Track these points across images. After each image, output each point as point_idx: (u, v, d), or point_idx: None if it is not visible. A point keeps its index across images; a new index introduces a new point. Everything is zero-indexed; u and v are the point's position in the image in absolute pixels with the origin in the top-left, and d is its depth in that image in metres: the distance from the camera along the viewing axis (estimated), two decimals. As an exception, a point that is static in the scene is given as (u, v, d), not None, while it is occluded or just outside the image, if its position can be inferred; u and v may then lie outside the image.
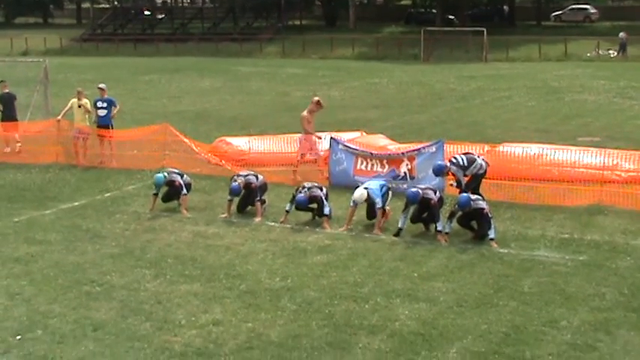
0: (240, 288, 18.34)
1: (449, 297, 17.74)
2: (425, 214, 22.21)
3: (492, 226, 21.06)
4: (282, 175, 27.77)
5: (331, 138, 28.30)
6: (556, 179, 26.09)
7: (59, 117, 33.51)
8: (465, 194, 21.99)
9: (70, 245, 22.02)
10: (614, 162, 26.82)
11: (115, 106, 32.83)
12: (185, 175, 25.50)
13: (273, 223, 23.11)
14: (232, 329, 16.25)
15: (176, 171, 25.59)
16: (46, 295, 18.37)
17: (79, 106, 32.45)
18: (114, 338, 16.04)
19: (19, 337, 16.20)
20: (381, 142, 30.03)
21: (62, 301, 17.98)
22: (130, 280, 19.22)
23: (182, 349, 15.44)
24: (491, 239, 20.84)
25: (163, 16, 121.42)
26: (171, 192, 25.32)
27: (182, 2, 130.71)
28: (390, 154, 27.43)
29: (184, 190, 25.02)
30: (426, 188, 22.29)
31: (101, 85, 33.63)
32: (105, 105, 32.56)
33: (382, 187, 22.95)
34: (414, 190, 21.92)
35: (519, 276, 18.98)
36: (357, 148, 27.74)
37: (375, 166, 27.00)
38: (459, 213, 21.48)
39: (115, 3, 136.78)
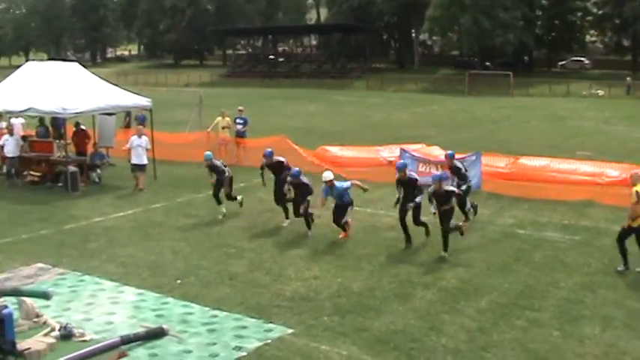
0: (334, 253, 18.39)
1: (481, 264, 17.67)
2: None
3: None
4: (363, 174, 27.70)
5: (401, 148, 28.18)
6: (559, 182, 25.84)
7: (208, 129, 34.01)
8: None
9: (214, 219, 22.24)
10: (601, 170, 26.73)
11: (247, 124, 33.18)
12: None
13: (357, 208, 23.10)
14: (327, 282, 16.31)
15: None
16: (198, 254, 18.60)
17: (223, 128, 32.84)
18: (243, 285, 16.18)
19: (179, 281, 16.42)
20: (436, 151, 29.85)
21: (208, 258, 18.20)
22: (255, 245, 19.38)
23: (291, 295, 15.56)
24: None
25: (283, 59, 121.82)
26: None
27: (296, 50, 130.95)
28: (443, 161, 27.15)
29: (225, 175, 23.11)
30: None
31: (240, 107, 34.15)
32: (242, 122, 33.09)
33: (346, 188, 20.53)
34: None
35: (532, 250, 18.87)
36: (420, 155, 27.64)
37: (432, 169, 26.81)
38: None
39: (249, 50, 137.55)
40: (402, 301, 15.23)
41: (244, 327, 13.93)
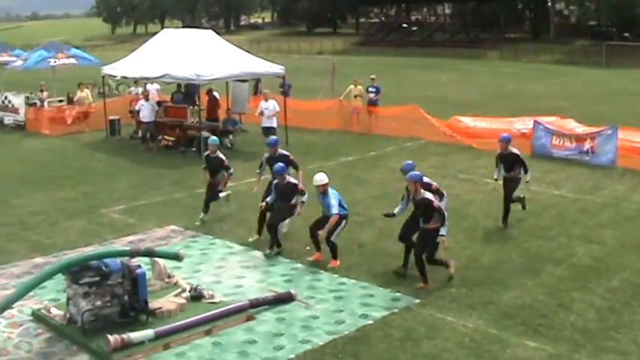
0: (463, 225, 18.22)
1: (614, 241, 17.24)
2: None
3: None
4: (496, 145, 27.27)
5: (534, 120, 27.68)
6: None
7: (341, 97, 34.20)
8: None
9: (345, 187, 22.26)
10: None
11: (380, 92, 33.16)
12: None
13: (489, 180, 22.83)
14: (455, 254, 16.14)
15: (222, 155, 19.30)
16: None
17: (355, 96, 32.91)
18: (372, 254, 16.28)
19: (308, 248, 16.53)
20: (570, 124, 29.19)
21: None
22: (385, 214, 19.38)
23: (419, 265, 15.56)
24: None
25: (416, 28, 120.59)
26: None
27: (429, 18, 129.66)
28: (577, 134, 26.71)
29: (230, 170, 19.17)
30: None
31: (372, 76, 34.18)
32: (374, 90, 33.11)
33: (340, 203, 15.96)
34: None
35: (670, 229, 18.29)
36: (554, 128, 27.11)
37: (566, 142, 26.34)
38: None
39: (382, 18, 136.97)
40: (530, 276, 15.01)
41: (371, 295, 14.00)
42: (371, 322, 12.83)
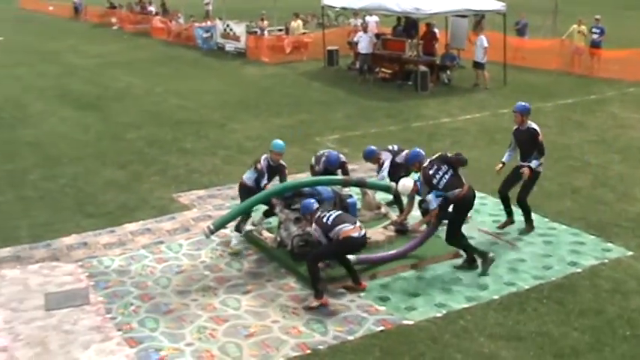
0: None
1: None
2: None
3: None
4: None
5: None
6: None
7: (563, 37, 33.25)
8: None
9: (562, 130, 21.75)
10: None
11: (604, 33, 31.89)
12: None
13: None
14: (675, 206, 15.52)
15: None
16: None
17: (578, 32, 31.87)
18: (586, 200, 15.73)
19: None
20: None
21: (553, 169, 17.57)
22: (601, 161, 18.69)
23: (634, 216, 14.94)
24: None
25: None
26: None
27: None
28: None
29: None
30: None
31: (597, 16, 32.75)
32: (598, 31, 31.81)
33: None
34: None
35: None
36: None
37: None
38: None
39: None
40: None
41: (582, 243, 13.60)
42: (579, 270, 12.47)
